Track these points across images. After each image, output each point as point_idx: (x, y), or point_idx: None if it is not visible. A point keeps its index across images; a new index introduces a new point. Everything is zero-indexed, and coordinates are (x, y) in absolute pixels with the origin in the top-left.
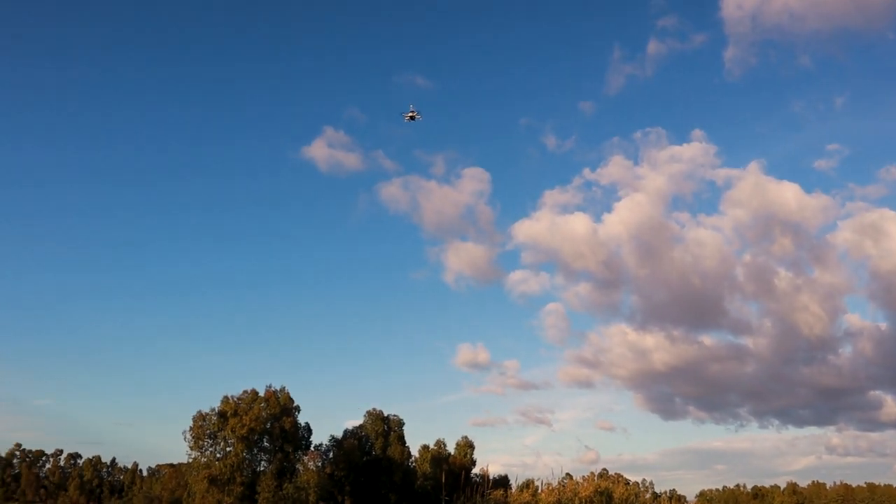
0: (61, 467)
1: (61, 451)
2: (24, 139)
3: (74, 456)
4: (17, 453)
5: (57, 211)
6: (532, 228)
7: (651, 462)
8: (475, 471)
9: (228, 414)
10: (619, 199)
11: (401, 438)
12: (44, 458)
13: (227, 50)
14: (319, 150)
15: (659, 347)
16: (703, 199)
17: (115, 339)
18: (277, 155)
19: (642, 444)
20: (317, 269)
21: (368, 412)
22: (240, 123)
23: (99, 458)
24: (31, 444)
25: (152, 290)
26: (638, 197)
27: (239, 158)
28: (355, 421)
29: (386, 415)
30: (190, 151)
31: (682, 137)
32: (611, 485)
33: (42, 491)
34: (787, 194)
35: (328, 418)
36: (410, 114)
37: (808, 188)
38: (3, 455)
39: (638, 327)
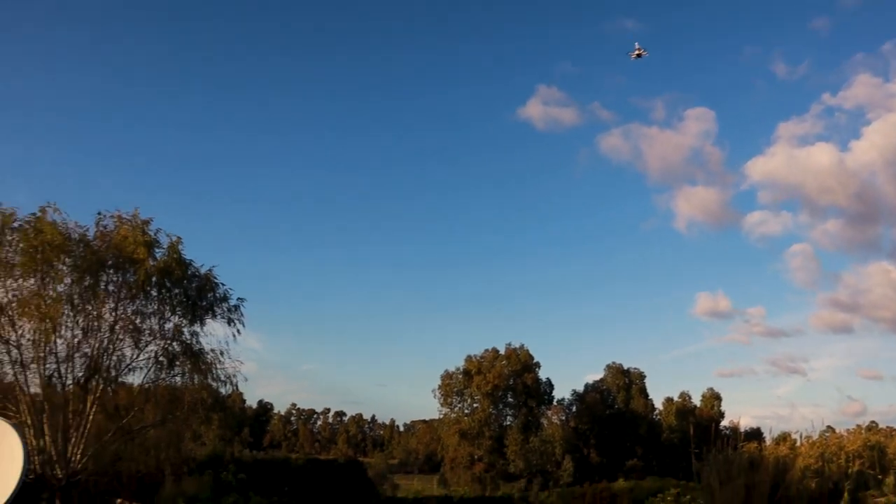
0: (330, 424)
1: (329, 410)
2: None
3: (340, 414)
4: (294, 412)
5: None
6: (768, 165)
7: None
8: (724, 423)
9: (473, 372)
10: (868, 123)
11: (643, 391)
12: (315, 416)
13: (433, 27)
14: (535, 109)
15: None
16: None
17: (368, 310)
18: (493, 119)
19: None
20: (545, 229)
21: (608, 366)
22: (452, 95)
23: (361, 415)
24: (303, 404)
25: (398, 264)
26: (892, 118)
27: (455, 130)
28: (595, 375)
29: (626, 368)
30: (407, 135)
31: None
32: (883, 438)
33: (316, 444)
34: None
35: (568, 374)
36: (637, 52)
37: None
38: (283, 413)
39: None
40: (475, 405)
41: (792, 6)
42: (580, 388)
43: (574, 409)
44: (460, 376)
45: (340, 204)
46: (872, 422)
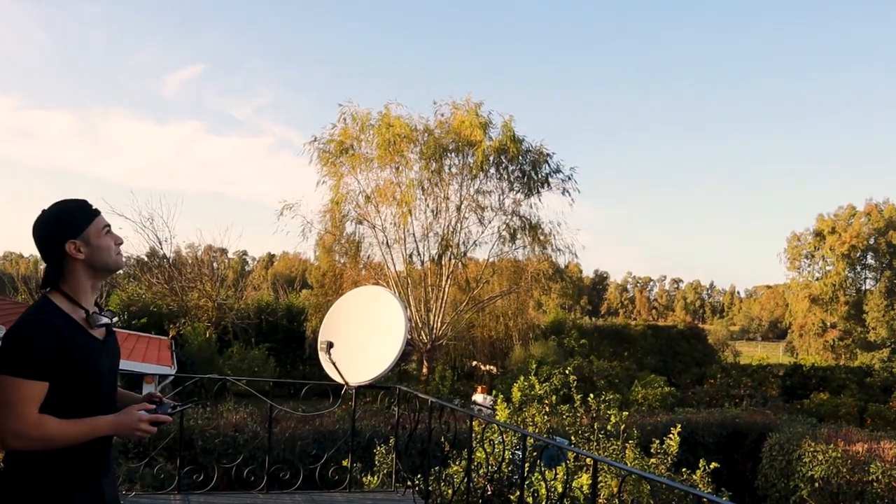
0: (667, 291)
1: (665, 277)
2: None
3: (677, 280)
4: (630, 279)
5: None
6: None
7: None
8: None
9: (825, 232)
10: None
11: None
12: (651, 283)
13: None
14: None
15: None
16: None
17: (707, 166)
18: None
19: None
20: None
21: None
22: None
23: (699, 281)
24: (639, 272)
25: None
26: None
27: None
28: None
29: None
30: None
31: None
32: None
33: (653, 311)
34: None
35: None
36: None
37: None
38: (619, 281)
39: None
40: (828, 268)
41: None
42: None
43: None
44: (810, 237)
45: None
46: None
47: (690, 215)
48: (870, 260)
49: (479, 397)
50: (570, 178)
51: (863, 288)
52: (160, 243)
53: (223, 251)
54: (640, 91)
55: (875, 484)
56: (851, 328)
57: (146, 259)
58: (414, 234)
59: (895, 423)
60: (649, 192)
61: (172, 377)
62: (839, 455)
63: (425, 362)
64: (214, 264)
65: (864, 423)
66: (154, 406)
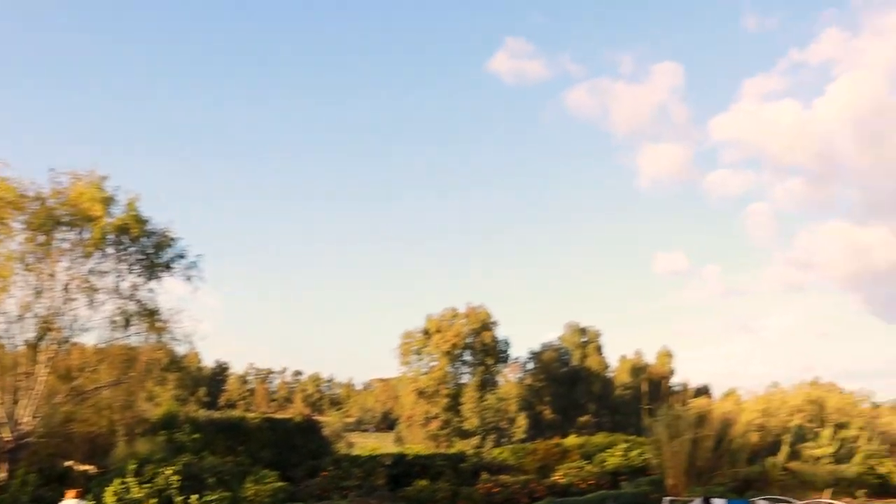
0: (287, 383)
1: (286, 369)
2: None
3: (298, 373)
4: (251, 371)
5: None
6: (732, 122)
7: (871, 370)
8: (675, 381)
9: (432, 331)
10: (833, 80)
11: (598, 349)
12: (272, 375)
13: None
14: (502, 63)
15: (882, 244)
16: None
17: (329, 271)
18: (460, 72)
19: (861, 351)
20: (508, 185)
21: (566, 324)
22: (419, 43)
23: (318, 374)
24: (261, 363)
25: (360, 223)
26: (857, 75)
27: (420, 80)
28: (553, 334)
29: (583, 326)
30: (368, 71)
31: None
32: (824, 393)
33: (273, 403)
34: None
35: (526, 332)
36: None
37: None
38: (240, 372)
39: (857, 223)
40: (433, 363)
41: None
42: (537, 347)
43: (530, 367)
44: (419, 335)
45: (303, 163)
46: (816, 377)
47: (314, 308)
48: (467, 357)
49: (69, 503)
50: (195, 265)
51: (460, 382)
52: None
53: None
54: (265, 189)
55: None
56: (450, 418)
57: None
58: (6, 314)
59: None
60: (276, 283)
61: None
62: None
63: (6, 465)
64: None
65: None
66: None
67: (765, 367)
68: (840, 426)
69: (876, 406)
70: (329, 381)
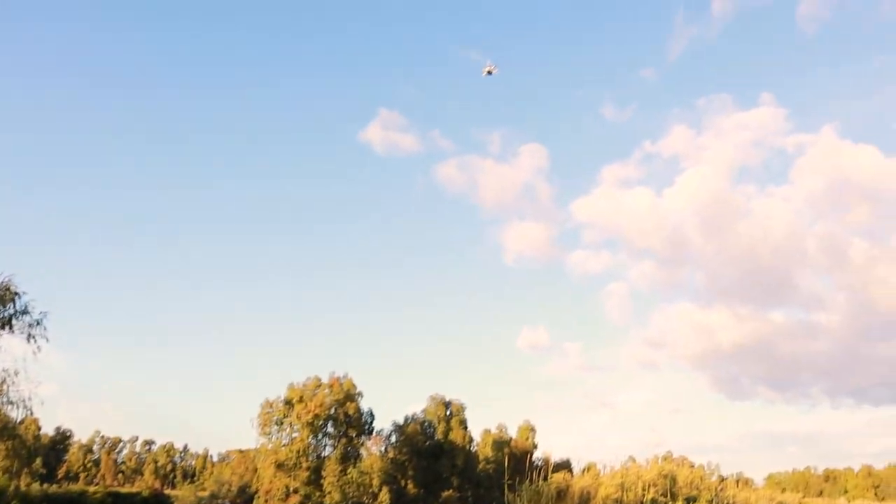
0: (137, 453)
1: (137, 438)
2: None
3: (149, 442)
4: (98, 439)
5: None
6: (592, 205)
7: (718, 444)
8: (537, 454)
9: (294, 401)
10: (681, 172)
11: (462, 423)
12: (121, 445)
13: (270, 37)
14: (375, 133)
15: (725, 326)
16: (771, 168)
17: (184, 333)
18: (334, 140)
19: (708, 427)
20: (375, 254)
21: (430, 397)
22: (294, 112)
23: (172, 444)
24: (109, 431)
25: (210, 282)
26: (701, 169)
27: (294, 149)
28: (417, 406)
29: (447, 400)
30: (241, 148)
31: (749, 102)
32: (675, 468)
33: (120, 475)
34: (864, 159)
35: (390, 404)
36: (488, 68)
37: (887, 151)
38: (85, 441)
39: (703, 305)
40: (295, 435)
41: (624, 54)
42: (401, 419)
43: (394, 440)
44: (281, 405)
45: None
46: (668, 451)
47: (171, 374)
48: (330, 428)
49: None
50: (38, 323)
51: (322, 454)
52: None
53: None
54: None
55: None
56: (311, 492)
57: None
58: None
59: None
60: (129, 346)
61: None
62: None
63: None
64: None
65: None
66: None
67: (622, 440)
68: (690, 500)
69: (722, 479)
70: (183, 451)
